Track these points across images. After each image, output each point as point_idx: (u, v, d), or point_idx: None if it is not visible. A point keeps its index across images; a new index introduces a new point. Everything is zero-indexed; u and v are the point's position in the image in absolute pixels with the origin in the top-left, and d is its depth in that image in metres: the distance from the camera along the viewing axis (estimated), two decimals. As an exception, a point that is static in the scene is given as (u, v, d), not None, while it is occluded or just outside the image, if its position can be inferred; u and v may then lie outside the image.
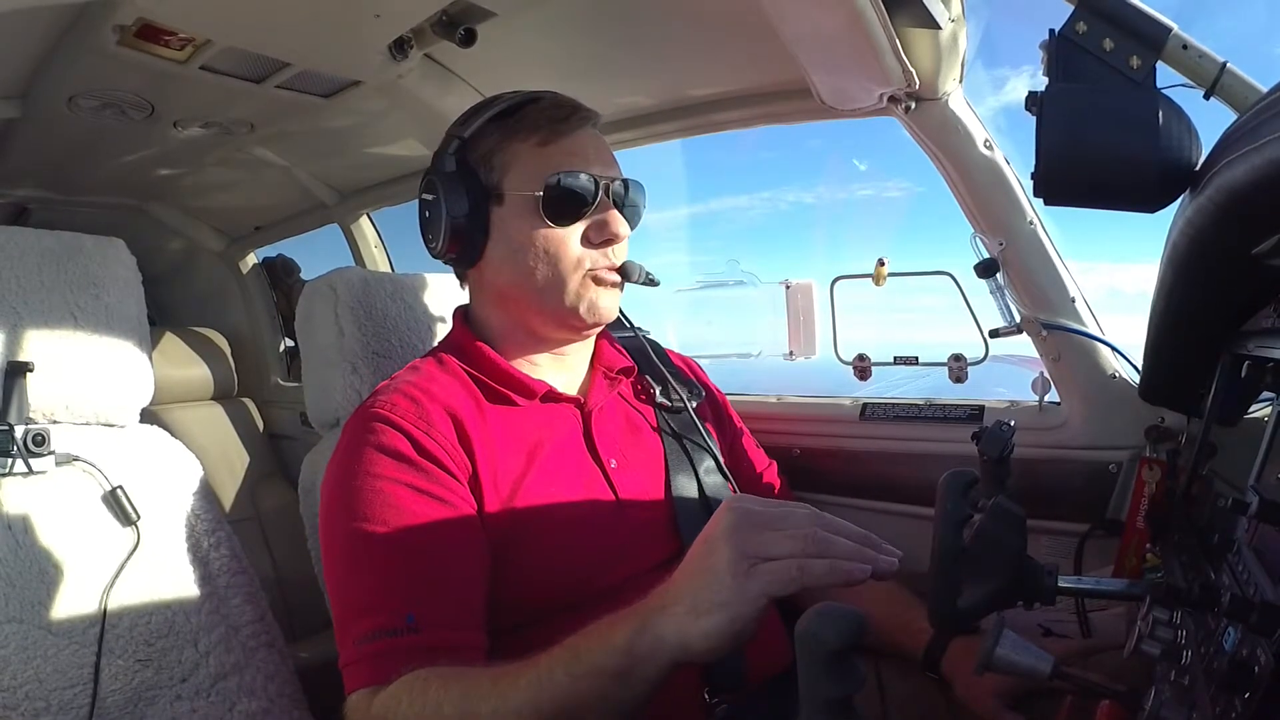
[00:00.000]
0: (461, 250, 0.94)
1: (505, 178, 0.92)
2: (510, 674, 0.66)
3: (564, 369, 1.00)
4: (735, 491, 1.03)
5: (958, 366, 1.26)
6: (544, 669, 0.64)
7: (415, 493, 0.82)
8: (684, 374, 1.13)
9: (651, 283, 0.98)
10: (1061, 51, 0.74)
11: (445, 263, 0.99)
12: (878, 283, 1.25)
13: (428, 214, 0.95)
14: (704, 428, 1.05)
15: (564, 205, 0.90)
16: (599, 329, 0.98)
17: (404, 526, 0.79)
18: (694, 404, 1.06)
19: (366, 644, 0.75)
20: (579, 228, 0.91)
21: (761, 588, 0.57)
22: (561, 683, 0.63)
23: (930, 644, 0.97)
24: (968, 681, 0.93)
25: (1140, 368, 1.05)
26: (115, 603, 1.03)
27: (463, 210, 0.91)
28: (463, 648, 0.76)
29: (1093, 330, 1.13)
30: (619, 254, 0.94)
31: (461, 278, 1.02)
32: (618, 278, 0.94)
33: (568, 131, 0.92)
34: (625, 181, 0.95)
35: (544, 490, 0.88)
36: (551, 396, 0.95)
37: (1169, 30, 0.74)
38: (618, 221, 0.92)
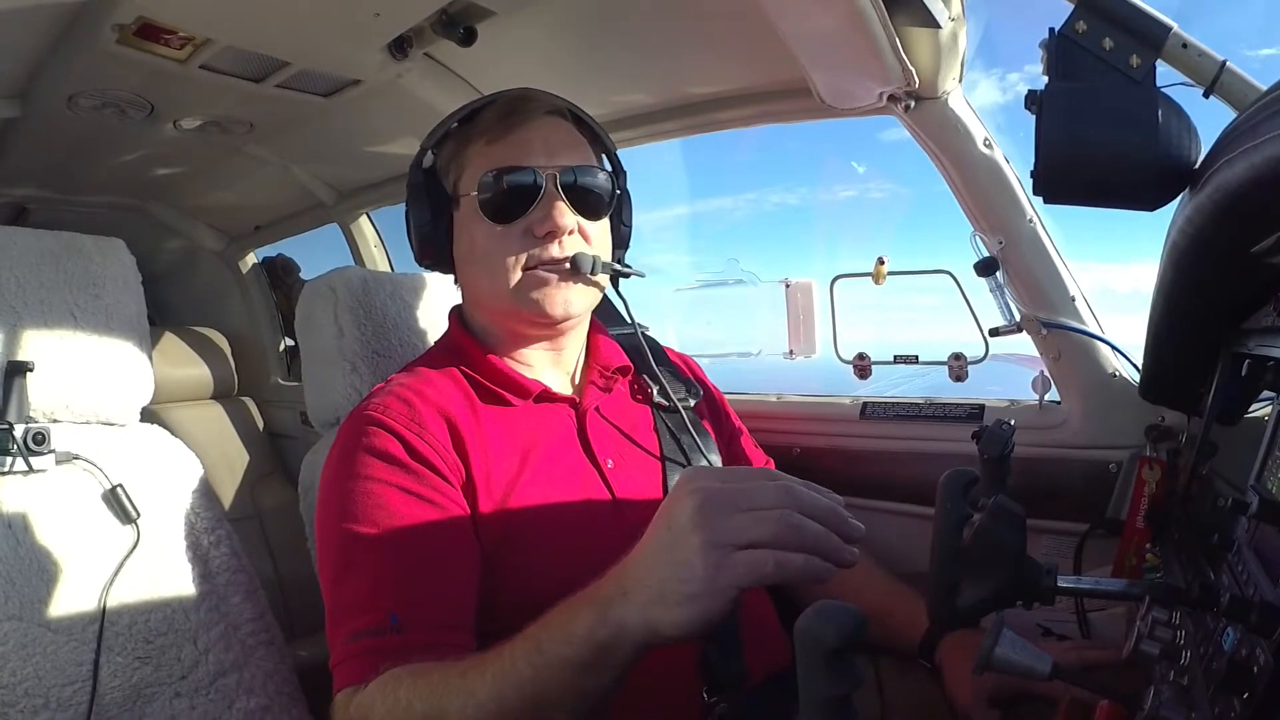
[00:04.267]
0: (434, 257, 0.96)
1: (460, 181, 0.93)
2: (476, 667, 0.65)
3: (558, 367, 1.00)
4: None
5: (958, 365, 1.26)
6: (507, 661, 0.63)
7: (405, 495, 0.82)
8: (682, 372, 1.12)
9: (624, 275, 0.98)
10: (1061, 50, 0.74)
11: (429, 270, 1.01)
12: (877, 281, 1.25)
13: (406, 224, 0.98)
14: (701, 427, 1.04)
15: (502, 202, 0.89)
16: (569, 323, 0.94)
17: (393, 528, 0.80)
18: (691, 403, 1.05)
19: (352, 643, 0.76)
20: (521, 224, 0.89)
21: (734, 579, 0.55)
22: (525, 675, 0.62)
23: (926, 633, 0.98)
24: (955, 676, 0.94)
25: (1140, 366, 1.05)
26: (115, 600, 1.04)
27: (425, 218, 0.94)
28: (446, 648, 0.75)
29: (1093, 329, 1.13)
30: (568, 246, 0.90)
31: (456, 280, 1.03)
32: (561, 271, 0.89)
33: (515, 126, 0.91)
34: (578, 169, 0.90)
35: (539, 491, 0.88)
36: (546, 396, 0.95)
37: (1169, 29, 0.74)
38: (558, 212, 0.88)
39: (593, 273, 0.90)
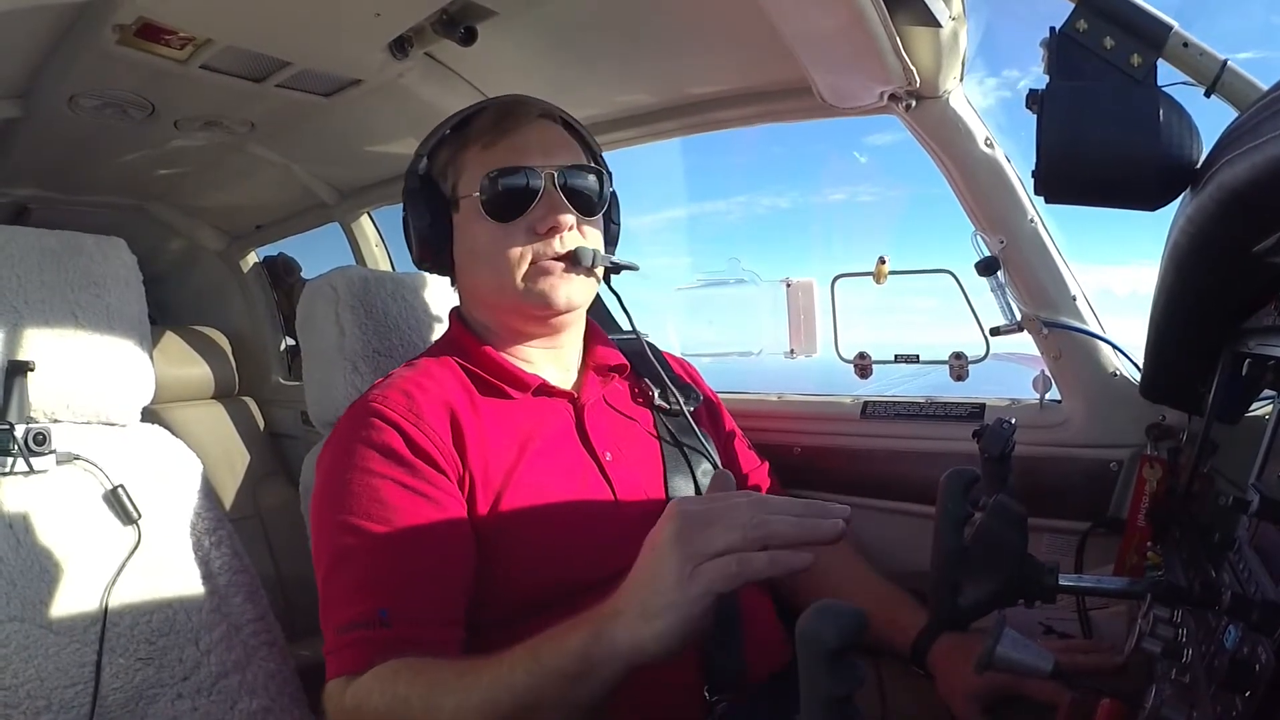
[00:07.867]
0: (433, 259, 0.99)
1: (458, 184, 0.96)
2: (473, 670, 0.69)
3: (557, 364, 1.01)
4: None
5: (958, 365, 1.26)
6: (505, 668, 0.67)
7: (402, 489, 0.83)
8: (681, 378, 1.13)
9: (618, 269, 1.00)
10: (1062, 49, 0.74)
11: (429, 272, 1.05)
12: (878, 281, 1.25)
13: (405, 228, 1.01)
14: (701, 431, 1.05)
15: (504, 202, 0.92)
16: (570, 314, 0.97)
17: (388, 523, 0.81)
18: (691, 407, 1.06)
19: (344, 634, 0.78)
20: (522, 222, 0.92)
21: (704, 586, 0.59)
22: (520, 682, 0.65)
23: (918, 637, 0.98)
24: (947, 679, 0.94)
25: (1141, 366, 1.05)
26: (116, 601, 1.04)
27: (425, 221, 0.97)
28: (434, 643, 0.77)
29: (1094, 328, 1.13)
30: (567, 241, 0.93)
31: (454, 282, 1.05)
32: (564, 265, 0.93)
33: (510, 129, 0.94)
34: (573, 168, 0.94)
35: (535, 482, 0.89)
36: (544, 390, 0.96)
37: (1170, 28, 0.74)
38: (558, 209, 0.92)
39: (592, 265, 0.94)
